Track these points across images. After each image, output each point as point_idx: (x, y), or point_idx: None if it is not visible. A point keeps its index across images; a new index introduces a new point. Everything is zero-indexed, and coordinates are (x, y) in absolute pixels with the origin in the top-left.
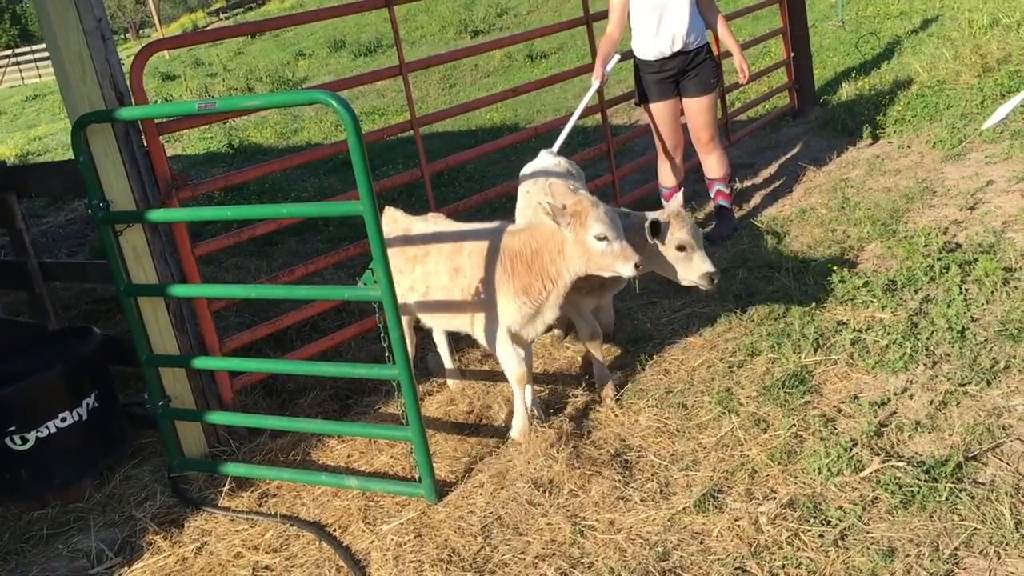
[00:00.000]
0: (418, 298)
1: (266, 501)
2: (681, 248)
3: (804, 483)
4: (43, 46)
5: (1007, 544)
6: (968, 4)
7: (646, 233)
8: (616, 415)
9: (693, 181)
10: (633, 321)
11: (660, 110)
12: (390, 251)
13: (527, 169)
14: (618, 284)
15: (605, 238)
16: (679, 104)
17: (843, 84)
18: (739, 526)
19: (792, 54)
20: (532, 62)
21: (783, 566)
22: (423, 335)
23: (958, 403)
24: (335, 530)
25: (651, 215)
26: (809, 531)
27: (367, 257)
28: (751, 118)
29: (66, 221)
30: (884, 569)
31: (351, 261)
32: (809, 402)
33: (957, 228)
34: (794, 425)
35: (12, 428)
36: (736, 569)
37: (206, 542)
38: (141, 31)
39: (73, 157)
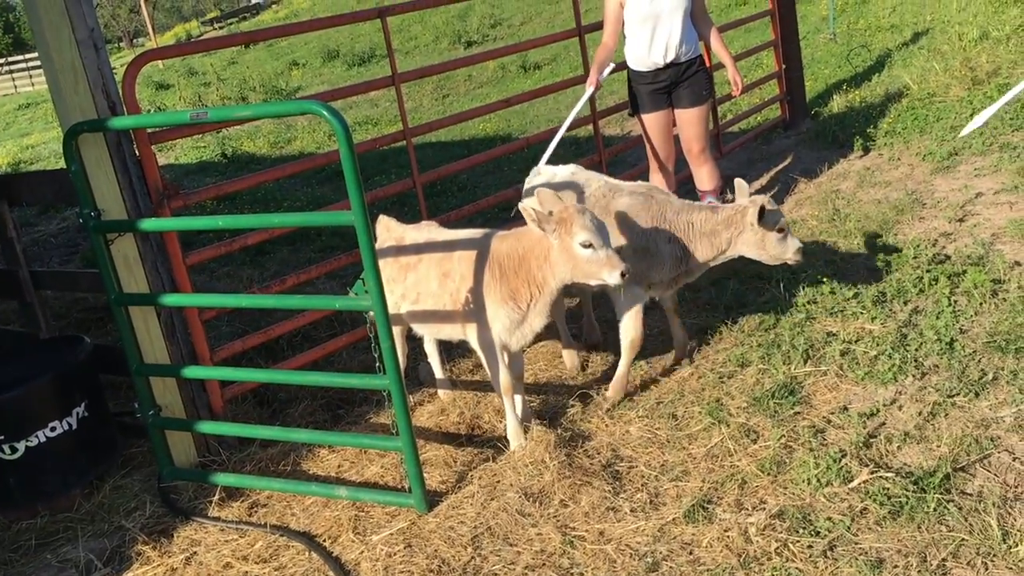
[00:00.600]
0: (409, 306)
1: (256, 511)
2: (781, 230)
3: (793, 494)
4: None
5: (994, 555)
6: (958, 17)
7: (751, 218)
8: (607, 425)
9: (684, 192)
10: None
11: (652, 121)
12: (383, 260)
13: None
14: (692, 274)
15: (591, 245)
16: (671, 115)
17: (834, 96)
18: (728, 537)
19: (784, 66)
20: (525, 73)
21: None
22: (414, 345)
23: (946, 414)
24: (325, 540)
25: (750, 200)
26: (798, 542)
27: (359, 267)
28: (743, 129)
29: (58, 230)
30: None
31: (343, 271)
32: (799, 413)
33: (946, 240)
34: (784, 436)
35: (1, 437)
36: None
37: (195, 552)
38: (135, 40)
39: (65, 166)
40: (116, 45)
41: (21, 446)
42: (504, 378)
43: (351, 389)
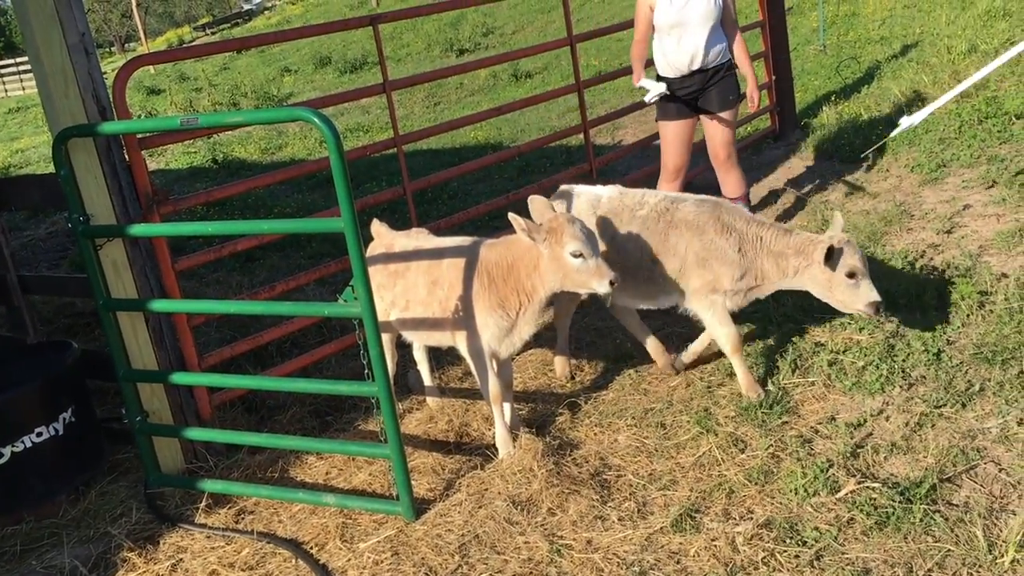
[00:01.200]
0: (399, 313)
1: (243, 518)
2: (851, 275)
3: (781, 503)
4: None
5: (980, 566)
6: (947, 31)
7: (818, 255)
8: (595, 433)
9: None
10: (615, 340)
11: (671, 129)
12: (372, 267)
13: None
14: (763, 291)
15: (581, 255)
16: (693, 125)
17: (824, 108)
18: (716, 546)
19: (774, 77)
20: (517, 81)
21: None
22: (404, 352)
23: (933, 425)
24: (312, 548)
25: (822, 237)
26: (785, 551)
27: (349, 273)
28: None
29: (47, 234)
30: None
31: (333, 277)
32: (787, 423)
33: (934, 251)
34: (771, 446)
35: None
36: None
37: (181, 559)
38: (126, 45)
39: (54, 170)
40: (108, 50)
41: (7, 451)
42: (493, 386)
43: (340, 396)
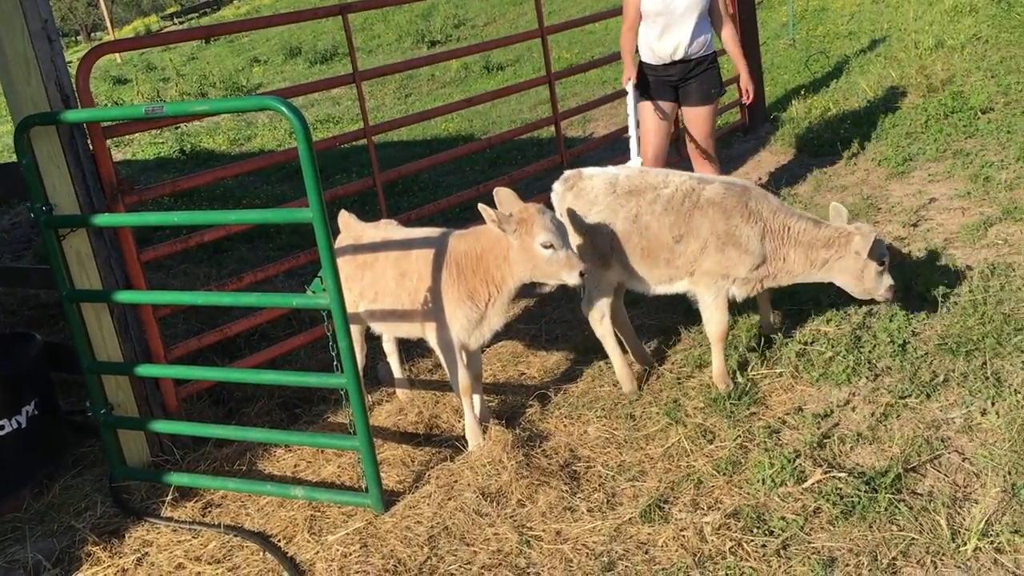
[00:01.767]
0: (367, 305)
1: (210, 511)
2: (883, 264)
3: (748, 493)
4: None
5: (943, 554)
6: (914, 26)
7: (859, 247)
8: (565, 425)
9: None
10: (583, 331)
11: (650, 110)
12: (341, 258)
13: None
14: (778, 281)
15: (551, 246)
16: (673, 110)
17: (793, 101)
18: (684, 536)
19: None
20: (489, 73)
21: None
22: (374, 344)
23: (898, 415)
24: (280, 540)
25: (856, 228)
26: (752, 541)
27: (318, 265)
28: None
29: (10, 225)
30: None
31: (302, 269)
32: (755, 414)
33: (900, 244)
34: (739, 436)
35: None
36: None
37: (147, 553)
38: (93, 34)
39: (16, 159)
40: (74, 39)
41: None
42: (463, 378)
43: (309, 388)
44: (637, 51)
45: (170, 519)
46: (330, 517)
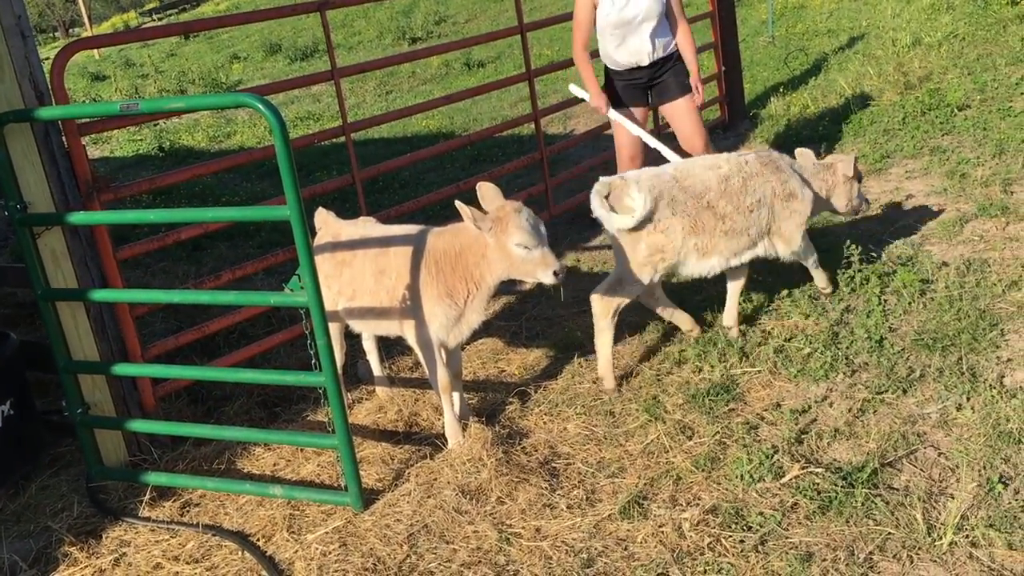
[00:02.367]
0: (346, 302)
1: (188, 511)
2: (860, 180)
3: (727, 489)
4: None
5: (919, 548)
6: (892, 24)
7: (847, 170)
8: (545, 422)
9: None
10: (563, 329)
11: (625, 116)
12: (319, 256)
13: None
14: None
15: (525, 246)
16: (646, 113)
17: (772, 99)
18: (663, 532)
19: (723, 68)
20: (469, 70)
21: (704, 571)
22: (353, 342)
23: (875, 411)
24: (259, 540)
25: (839, 157)
26: (730, 537)
27: (297, 262)
28: None
29: None
30: (802, 574)
31: (281, 267)
32: (733, 410)
33: (877, 240)
34: (718, 432)
35: None
36: (659, 575)
37: (124, 553)
38: (71, 30)
39: None
40: (51, 35)
41: None
42: (441, 375)
43: (288, 386)
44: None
45: (148, 519)
46: (309, 516)
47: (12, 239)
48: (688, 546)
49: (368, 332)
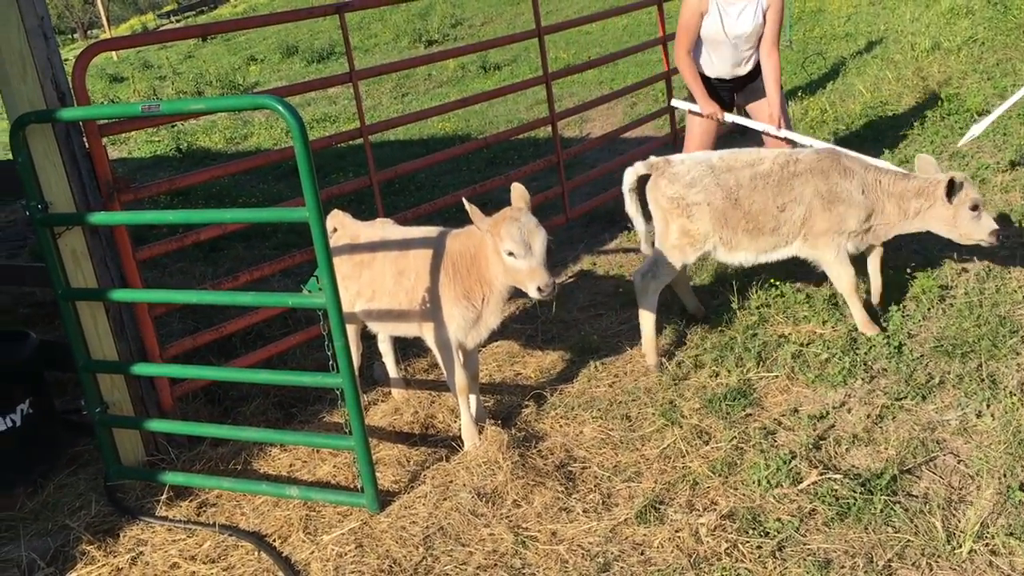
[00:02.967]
0: (364, 304)
1: (205, 511)
2: (975, 208)
3: (744, 495)
4: None
5: (939, 556)
6: (911, 28)
7: (941, 191)
8: (561, 425)
9: None
10: (580, 332)
11: (699, 123)
12: (338, 257)
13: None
14: (878, 236)
15: (512, 254)
16: (721, 124)
17: (790, 103)
18: (679, 537)
19: None
20: (485, 73)
21: None
22: (369, 344)
23: (894, 417)
24: (275, 540)
25: (941, 177)
26: (748, 542)
27: (314, 264)
28: None
29: (6, 223)
30: None
31: (298, 268)
32: (750, 415)
33: (896, 246)
34: (735, 437)
35: None
36: None
37: (142, 552)
38: (89, 32)
39: (12, 157)
40: (70, 37)
41: None
42: (459, 377)
43: (304, 388)
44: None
45: (165, 518)
46: (325, 517)
47: (31, 239)
48: (705, 551)
49: (386, 333)
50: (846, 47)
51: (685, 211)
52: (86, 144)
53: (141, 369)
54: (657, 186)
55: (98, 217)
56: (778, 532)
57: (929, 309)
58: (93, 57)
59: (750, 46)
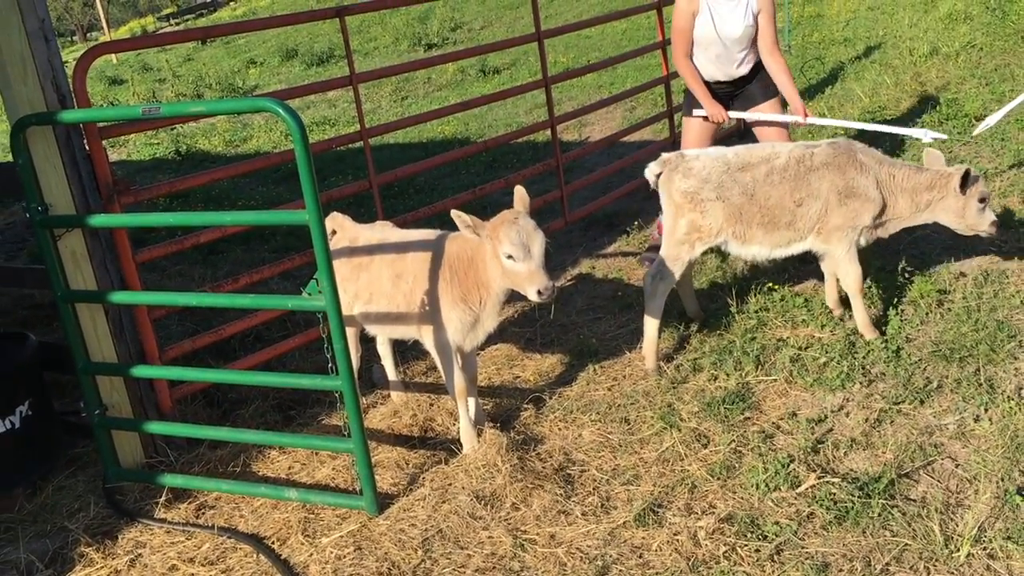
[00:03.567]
0: (363, 306)
1: (204, 513)
2: (982, 200)
3: (742, 498)
4: None
5: (936, 560)
6: (909, 33)
7: (955, 183)
8: (560, 428)
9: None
10: (578, 335)
11: (696, 125)
12: (337, 260)
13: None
14: (887, 228)
15: (511, 257)
16: (719, 127)
17: (788, 107)
18: (678, 540)
19: None
20: (485, 77)
21: None
22: (368, 347)
23: (892, 421)
24: (274, 543)
25: (952, 170)
26: (746, 546)
27: (313, 266)
28: None
29: (5, 224)
30: None
31: (298, 271)
32: (749, 418)
33: (894, 250)
34: (734, 441)
35: None
36: None
37: (140, 554)
38: (89, 35)
39: (12, 159)
40: (69, 39)
41: None
42: (458, 380)
43: (303, 390)
44: None
45: (164, 520)
46: (324, 519)
47: (30, 241)
48: (703, 555)
49: (384, 336)
50: (845, 52)
51: (698, 206)
52: (86, 146)
53: (140, 371)
54: (671, 180)
55: (98, 219)
56: (776, 536)
57: (927, 313)
58: (94, 59)
59: (742, 48)
